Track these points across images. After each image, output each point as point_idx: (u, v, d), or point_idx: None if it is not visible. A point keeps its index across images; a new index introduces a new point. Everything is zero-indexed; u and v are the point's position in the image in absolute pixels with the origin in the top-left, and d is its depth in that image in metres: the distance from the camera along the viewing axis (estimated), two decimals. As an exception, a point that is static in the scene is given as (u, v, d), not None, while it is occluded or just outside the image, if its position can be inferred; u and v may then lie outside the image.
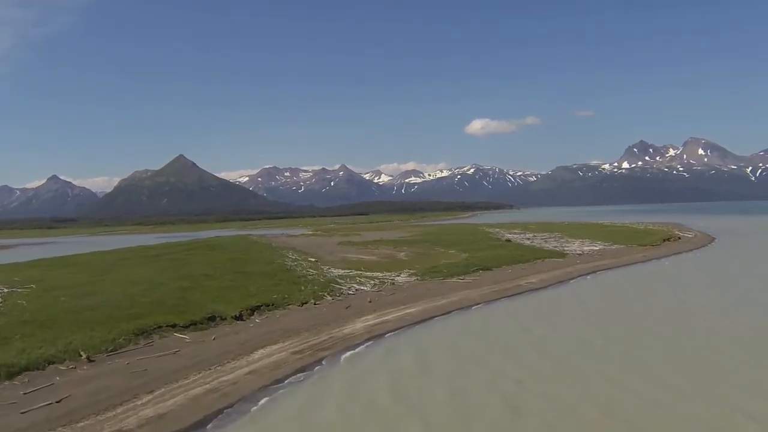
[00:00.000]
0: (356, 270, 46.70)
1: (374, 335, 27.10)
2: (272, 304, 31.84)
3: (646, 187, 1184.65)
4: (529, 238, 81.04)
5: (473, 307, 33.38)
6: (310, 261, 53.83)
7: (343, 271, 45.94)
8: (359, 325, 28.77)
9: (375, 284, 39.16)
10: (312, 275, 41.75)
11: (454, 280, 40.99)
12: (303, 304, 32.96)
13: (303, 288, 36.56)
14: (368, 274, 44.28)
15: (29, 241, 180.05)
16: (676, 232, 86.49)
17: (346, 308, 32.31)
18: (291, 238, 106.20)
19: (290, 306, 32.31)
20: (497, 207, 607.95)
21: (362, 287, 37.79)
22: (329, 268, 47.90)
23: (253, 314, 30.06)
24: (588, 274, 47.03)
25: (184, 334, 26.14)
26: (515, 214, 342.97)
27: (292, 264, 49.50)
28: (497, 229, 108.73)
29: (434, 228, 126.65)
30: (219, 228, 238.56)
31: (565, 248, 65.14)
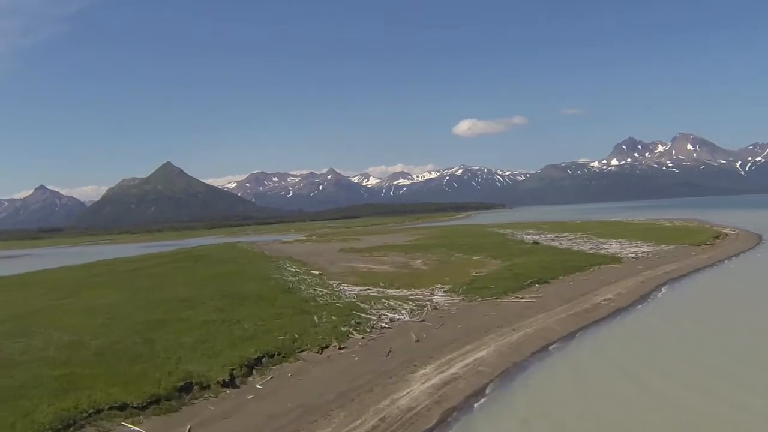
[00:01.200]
0: (375, 286, 37.26)
1: (447, 408, 17.14)
2: (279, 353, 21.26)
3: (636, 183, 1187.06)
4: (553, 240, 71.77)
5: (556, 344, 23.84)
6: (314, 274, 44.28)
7: (359, 288, 36.37)
8: (417, 387, 18.63)
9: (411, 309, 29.00)
10: (323, 296, 31.93)
11: (510, 299, 31.35)
12: (323, 349, 22.33)
13: (317, 320, 25.82)
14: (393, 292, 34.73)
15: (7, 253, 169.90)
16: (720, 230, 77.10)
17: (387, 354, 22.17)
18: (285, 244, 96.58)
19: (305, 353, 21.91)
20: (488, 207, 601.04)
21: (396, 315, 27.69)
22: (340, 284, 38.39)
23: (251, 374, 19.50)
24: (663, 284, 37.74)
25: (140, 427, 15.62)
26: (511, 213, 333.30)
27: (294, 280, 39.80)
28: (509, 230, 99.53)
29: (437, 230, 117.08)
30: (207, 235, 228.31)
31: (609, 251, 55.80)
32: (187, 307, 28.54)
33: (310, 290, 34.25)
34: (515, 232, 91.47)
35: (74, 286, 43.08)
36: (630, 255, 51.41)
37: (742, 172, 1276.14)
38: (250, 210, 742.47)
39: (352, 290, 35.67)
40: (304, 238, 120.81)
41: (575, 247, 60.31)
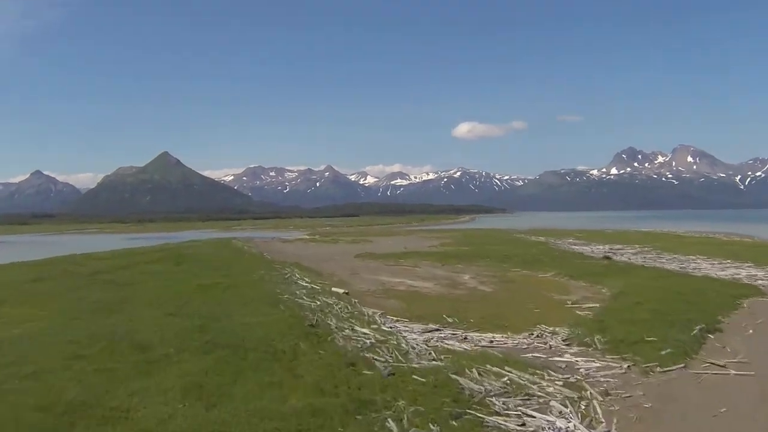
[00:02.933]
0: (439, 322, 24.30)
1: None
2: None
3: (636, 193, 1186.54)
4: (618, 253, 59.10)
5: None
6: (337, 294, 31.48)
7: (419, 327, 23.12)
8: None
9: (567, 399, 14.02)
10: (372, 347, 18.62)
11: (703, 367, 18.21)
12: None
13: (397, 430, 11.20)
14: (479, 337, 21.84)
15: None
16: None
17: None
18: (286, 244, 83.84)
19: None
20: (488, 211, 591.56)
21: (553, 418, 12.59)
22: (383, 316, 25.62)
23: None
24: None
25: None
26: (516, 219, 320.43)
27: (313, 305, 26.62)
28: (542, 237, 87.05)
29: (456, 234, 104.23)
30: (201, 228, 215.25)
31: (707, 272, 43.00)
32: (137, 369, 15.53)
33: (347, 330, 21.20)
34: (555, 241, 78.96)
35: (3, 295, 30.60)
36: (760, 282, 38.48)
37: (742, 187, 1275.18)
38: (246, 204, 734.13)
39: (408, 331, 22.92)
40: (307, 237, 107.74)
41: (659, 265, 47.73)
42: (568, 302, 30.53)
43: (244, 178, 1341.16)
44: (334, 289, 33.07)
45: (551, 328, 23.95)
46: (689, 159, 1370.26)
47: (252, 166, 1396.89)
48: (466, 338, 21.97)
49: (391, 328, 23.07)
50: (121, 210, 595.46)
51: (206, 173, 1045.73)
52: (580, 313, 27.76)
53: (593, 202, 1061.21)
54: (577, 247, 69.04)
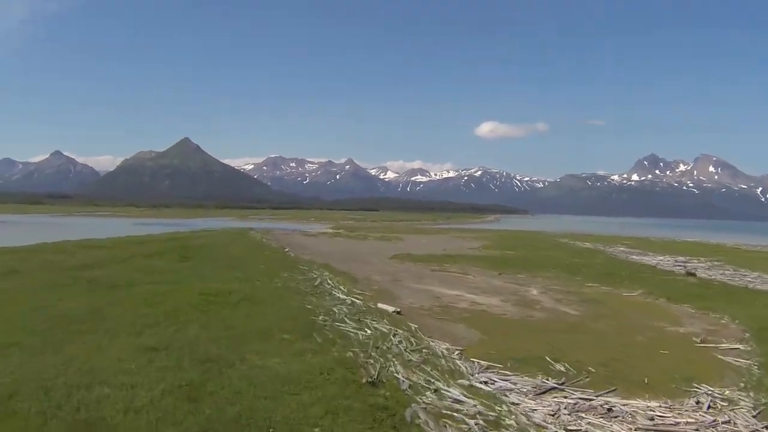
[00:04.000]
0: (543, 371, 16.57)
1: None
2: None
3: (656, 201, 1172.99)
4: (691, 266, 50.80)
5: None
6: (389, 314, 23.65)
7: (531, 385, 15.37)
8: None
9: None
10: None
11: None
12: None
13: None
14: (630, 406, 14.11)
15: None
16: None
17: None
18: (309, 238, 76.17)
19: None
20: (510, 212, 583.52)
21: None
22: (463, 357, 17.82)
23: None
24: None
25: None
26: (542, 221, 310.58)
27: (361, 335, 18.49)
28: (589, 244, 78.68)
29: (493, 235, 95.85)
30: (218, 215, 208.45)
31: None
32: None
33: (429, 394, 13.44)
34: (607, 249, 70.79)
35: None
36: None
37: (762, 199, 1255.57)
38: (265, 193, 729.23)
39: (515, 390, 15.07)
40: (331, 230, 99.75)
41: (756, 286, 39.48)
42: (695, 339, 22.61)
43: (264, 167, 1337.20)
44: (380, 305, 25.26)
45: (715, 389, 16.20)
46: (711, 169, 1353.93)
47: (272, 156, 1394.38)
48: (610, 410, 14.07)
49: (486, 383, 15.22)
50: (140, 194, 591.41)
51: (226, 161, 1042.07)
52: (726, 358, 19.99)
53: (613, 208, 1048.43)
54: (636, 257, 60.81)
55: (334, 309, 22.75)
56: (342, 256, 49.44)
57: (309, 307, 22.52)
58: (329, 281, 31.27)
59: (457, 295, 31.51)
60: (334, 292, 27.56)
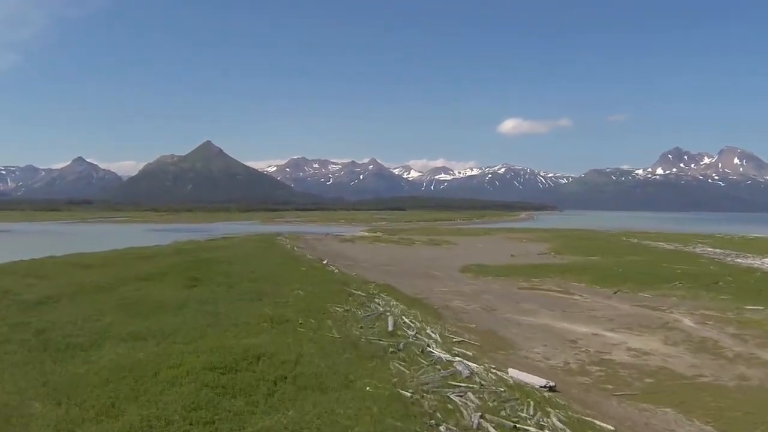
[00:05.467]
0: None
1: None
2: None
3: (682, 194, 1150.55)
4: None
5: None
6: (529, 387, 13.38)
7: None
8: None
9: None
10: None
11: None
12: None
13: None
14: None
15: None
16: None
17: None
18: (346, 243, 66.07)
19: None
20: (539, 208, 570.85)
21: None
22: None
23: None
24: None
25: None
26: (577, 218, 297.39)
27: None
28: (663, 243, 67.53)
29: (553, 236, 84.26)
30: (241, 219, 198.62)
31: None
32: None
33: None
34: (692, 248, 60.09)
35: None
36: None
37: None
38: (288, 195, 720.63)
39: None
40: (367, 234, 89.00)
41: None
42: None
43: (287, 169, 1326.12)
44: (514, 373, 14.82)
45: None
46: (736, 161, 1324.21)
47: (295, 157, 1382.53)
48: None
49: None
50: (162, 198, 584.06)
51: (249, 164, 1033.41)
52: None
53: (638, 202, 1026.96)
54: (740, 259, 49.93)
55: (453, 398, 12.24)
56: (396, 269, 39.16)
57: (407, 395, 12.01)
58: (404, 318, 20.81)
59: (594, 335, 21.06)
60: (422, 342, 17.13)
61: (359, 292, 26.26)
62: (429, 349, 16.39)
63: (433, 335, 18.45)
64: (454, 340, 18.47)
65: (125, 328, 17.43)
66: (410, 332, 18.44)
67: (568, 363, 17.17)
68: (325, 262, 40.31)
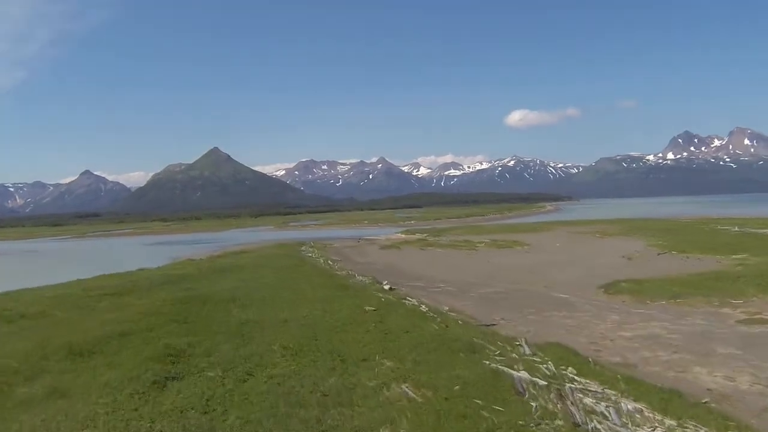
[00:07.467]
0: None
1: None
2: None
3: (694, 178, 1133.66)
4: None
5: None
6: None
7: None
8: None
9: None
10: None
11: None
12: None
13: None
14: None
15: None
16: None
17: None
18: (392, 252, 52.65)
19: None
20: (555, 199, 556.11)
21: None
22: None
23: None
24: None
25: None
26: (601, 207, 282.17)
27: None
28: (753, 229, 53.89)
29: (635, 228, 68.33)
30: (253, 225, 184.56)
31: None
32: None
33: None
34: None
35: None
36: None
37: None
38: (299, 198, 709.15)
39: None
40: (406, 236, 74.55)
41: None
42: None
43: (296, 172, 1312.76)
44: None
45: None
46: (746, 141, 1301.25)
47: (304, 160, 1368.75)
48: None
49: None
50: (171, 207, 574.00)
51: (257, 168, 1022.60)
52: None
53: (651, 188, 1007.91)
54: None
55: None
56: (498, 291, 25.35)
57: None
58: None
59: None
60: None
61: (490, 349, 12.48)
62: None
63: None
64: None
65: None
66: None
67: None
68: (387, 286, 26.46)
